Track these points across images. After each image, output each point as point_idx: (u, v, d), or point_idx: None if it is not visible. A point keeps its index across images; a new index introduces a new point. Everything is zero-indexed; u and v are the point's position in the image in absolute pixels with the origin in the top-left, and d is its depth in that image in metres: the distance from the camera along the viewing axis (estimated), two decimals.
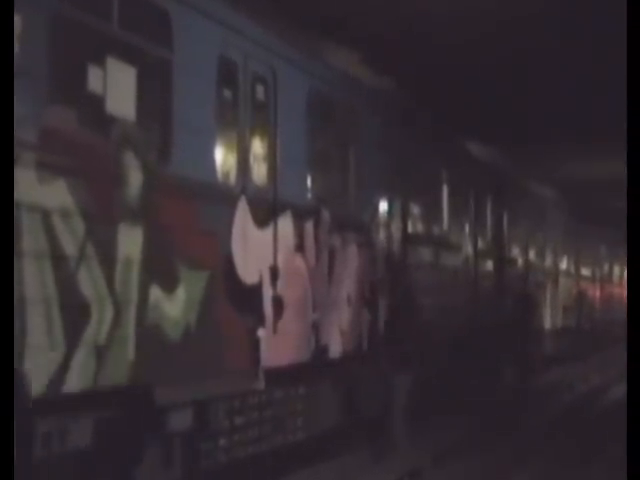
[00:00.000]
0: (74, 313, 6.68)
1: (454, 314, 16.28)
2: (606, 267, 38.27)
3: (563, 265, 28.55)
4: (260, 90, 9.69)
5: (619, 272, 42.48)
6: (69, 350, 6.64)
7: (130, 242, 7.38)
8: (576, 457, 12.55)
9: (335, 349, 11.17)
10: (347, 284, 11.58)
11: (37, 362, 6.26)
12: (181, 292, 8.05)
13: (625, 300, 44.08)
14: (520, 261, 22.54)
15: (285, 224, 10.03)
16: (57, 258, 6.52)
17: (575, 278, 30.57)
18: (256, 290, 9.43)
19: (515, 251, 22.18)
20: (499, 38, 13.81)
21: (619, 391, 21.42)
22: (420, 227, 15.00)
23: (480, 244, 18.54)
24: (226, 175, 9.13)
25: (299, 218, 10.34)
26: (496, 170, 20.17)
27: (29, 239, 6.23)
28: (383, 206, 13.13)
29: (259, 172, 9.70)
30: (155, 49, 7.91)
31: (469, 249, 17.76)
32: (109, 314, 7.10)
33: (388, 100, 13.59)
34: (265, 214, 9.62)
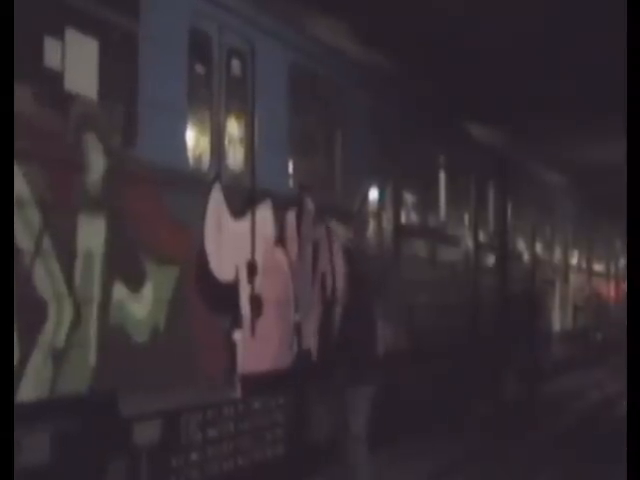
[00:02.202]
0: (29, 313, 6.71)
1: (452, 314, 16.35)
2: (622, 262, 38.40)
3: (574, 260, 28.66)
4: (236, 65, 9.73)
5: None
6: (23, 354, 6.67)
7: (92, 234, 7.42)
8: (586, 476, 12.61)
9: (319, 353, 11.20)
10: (333, 281, 11.62)
11: None
12: (148, 290, 8.10)
13: None
14: (526, 255, 22.62)
15: (264, 214, 10.08)
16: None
17: (587, 274, 30.68)
18: (232, 288, 9.47)
19: (520, 244, 22.27)
20: (502, 14, 13.92)
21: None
22: (414, 217, 15.06)
23: (481, 236, 18.61)
24: (198, 160, 9.18)
25: (280, 208, 10.38)
26: (499, 154, 20.23)
27: None
28: (373, 194, 13.18)
29: (235, 156, 9.75)
30: (119, 20, 7.93)
31: (469, 242, 17.83)
32: (68, 314, 7.15)
33: (379, 77, 13.63)
34: (242, 203, 9.66)
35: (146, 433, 8.28)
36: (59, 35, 7.20)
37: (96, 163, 7.49)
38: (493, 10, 13.95)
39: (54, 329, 7.00)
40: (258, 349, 9.87)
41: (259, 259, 9.90)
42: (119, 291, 7.73)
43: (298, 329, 10.76)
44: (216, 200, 9.20)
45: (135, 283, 7.94)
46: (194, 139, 9.13)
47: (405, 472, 12.07)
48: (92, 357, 7.41)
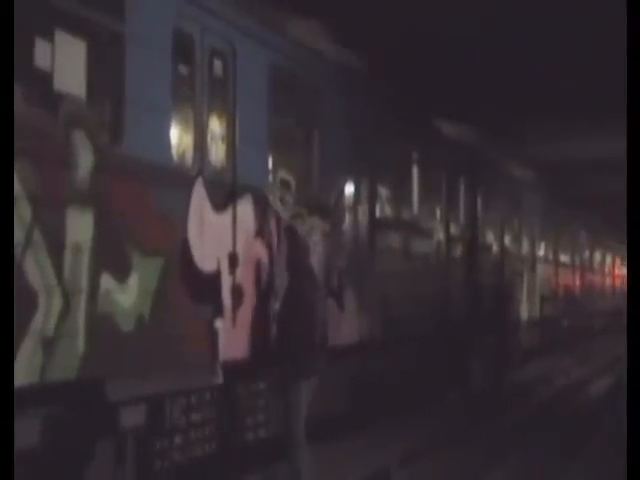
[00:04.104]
0: (20, 303, 6.73)
1: (425, 304, 16.42)
2: (587, 254, 38.63)
3: (541, 252, 28.79)
4: (218, 65, 9.75)
5: (600, 259, 42.91)
6: (15, 343, 6.68)
7: (80, 228, 7.45)
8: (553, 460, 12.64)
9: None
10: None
11: None
12: (134, 281, 8.13)
13: (607, 289, 44.65)
14: (495, 248, 22.71)
15: (245, 208, 10.12)
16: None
17: (554, 265, 30.84)
18: (214, 279, 9.51)
19: (490, 237, 22.35)
20: (472, 10, 13.92)
21: (601, 385, 21.72)
22: (388, 211, 15.12)
23: (452, 229, 18.69)
24: (182, 156, 9.21)
25: (260, 202, 10.43)
26: (470, 150, 20.31)
27: None
28: (349, 189, 13.24)
29: (217, 153, 9.78)
30: (106, 21, 7.96)
31: (440, 235, 17.90)
32: (57, 304, 7.18)
33: (355, 77, 13.68)
34: (223, 197, 9.70)
35: (132, 417, 8.33)
36: (49, 37, 7.22)
37: (84, 160, 7.52)
38: (467, 9, 13.94)
39: (44, 318, 7.03)
40: (239, 337, 9.91)
41: (240, 251, 9.93)
42: (106, 282, 7.76)
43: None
44: (199, 194, 9.24)
45: (122, 274, 7.97)
46: (178, 136, 9.16)
47: (375, 455, 12.11)
48: (80, 345, 7.44)
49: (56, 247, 7.18)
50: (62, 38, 7.36)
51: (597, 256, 41.86)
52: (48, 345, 7.07)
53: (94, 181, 7.58)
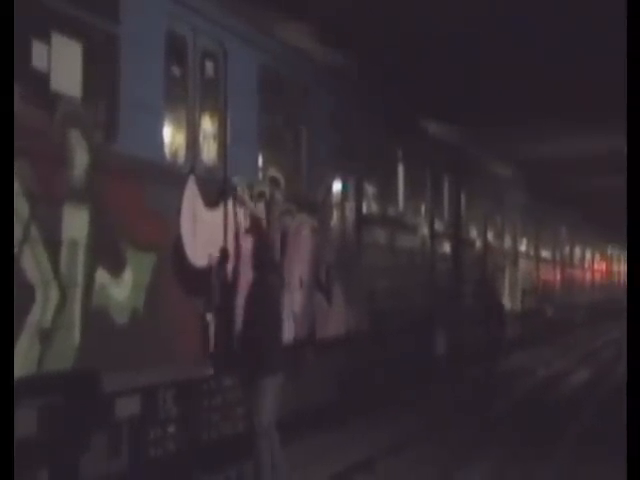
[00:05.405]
0: (18, 296, 6.75)
1: (410, 298, 16.47)
2: (567, 249, 38.75)
3: (522, 247, 28.88)
4: (209, 66, 9.79)
5: (580, 254, 43.04)
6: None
7: (75, 224, 7.48)
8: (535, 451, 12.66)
9: (287, 335, 11.24)
10: (300, 267, 11.71)
11: None
12: (128, 275, 8.16)
13: (586, 283, 44.78)
14: (478, 243, 22.77)
15: (236, 205, 10.14)
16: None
17: (535, 260, 30.93)
18: (206, 273, 9.54)
19: (473, 233, 22.42)
20: (460, 10, 13.94)
21: (581, 376, 21.81)
22: (375, 208, 15.16)
23: (437, 225, 18.74)
24: (174, 154, 9.24)
25: (250, 199, 10.45)
26: (453, 148, 20.36)
27: None
28: (336, 186, 13.29)
29: (209, 151, 9.81)
30: (101, 24, 7.98)
31: (425, 230, 17.95)
32: (54, 297, 7.21)
33: (342, 77, 13.72)
34: (215, 195, 9.73)
35: (126, 407, 8.36)
36: (45, 39, 7.25)
37: (80, 158, 7.54)
38: (454, 9, 13.97)
39: (41, 311, 7.06)
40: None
41: (231, 247, 9.97)
42: (101, 276, 7.80)
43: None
44: (191, 192, 9.27)
45: (116, 269, 8.01)
46: (171, 135, 9.19)
47: (360, 446, 12.12)
48: (76, 337, 7.47)
49: (53, 243, 7.21)
50: (58, 40, 7.38)
51: (577, 251, 41.99)
52: (45, 337, 7.10)
53: (89, 179, 7.61)
